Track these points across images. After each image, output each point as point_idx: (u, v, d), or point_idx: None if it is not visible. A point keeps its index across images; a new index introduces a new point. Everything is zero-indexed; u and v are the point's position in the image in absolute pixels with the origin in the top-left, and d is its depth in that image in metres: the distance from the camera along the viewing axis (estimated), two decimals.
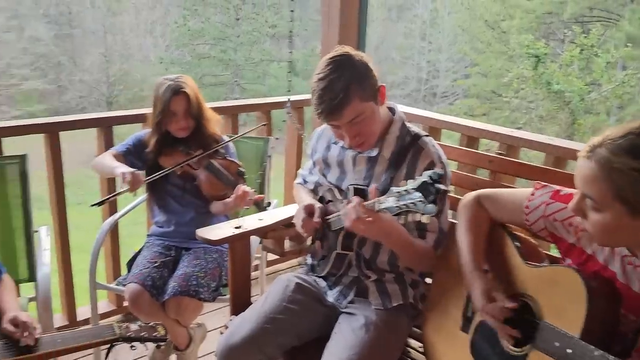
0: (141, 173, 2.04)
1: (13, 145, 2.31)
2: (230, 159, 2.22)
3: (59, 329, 2.24)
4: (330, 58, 1.47)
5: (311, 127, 3.22)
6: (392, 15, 25.19)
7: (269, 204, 2.09)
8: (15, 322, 1.51)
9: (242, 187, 2.05)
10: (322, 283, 1.73)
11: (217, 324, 2.56)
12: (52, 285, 1.95)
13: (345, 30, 3.05)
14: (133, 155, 2.19)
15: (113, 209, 2.55)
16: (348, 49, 1.50)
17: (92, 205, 1.98)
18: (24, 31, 21.09)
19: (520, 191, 1.44)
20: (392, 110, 1.63)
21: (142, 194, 2.30)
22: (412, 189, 1.21)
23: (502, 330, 1.30)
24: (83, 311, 2.61)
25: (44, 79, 21.55)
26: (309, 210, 1.62)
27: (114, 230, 2.56)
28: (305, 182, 1.87)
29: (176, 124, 2.11)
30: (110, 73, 22.58)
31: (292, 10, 2.07)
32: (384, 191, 1.32)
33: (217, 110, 2.36)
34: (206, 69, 22.43)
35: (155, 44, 24.20)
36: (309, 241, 1.74)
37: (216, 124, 2.24)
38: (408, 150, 1.57)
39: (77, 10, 23.81)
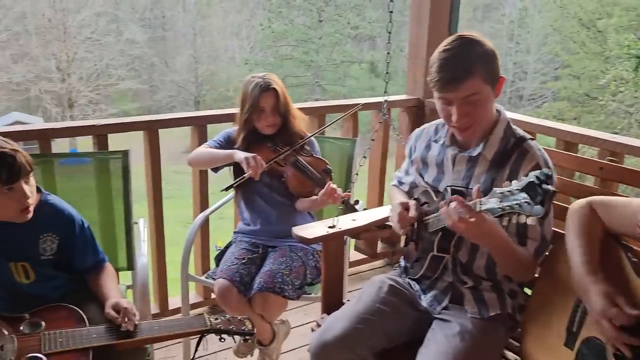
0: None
1: (111, 141, 2.43)
2: (317, 156, 2.23)
3: (152, 316, 2.34)
4: (459, 35, 1.47)
5: (399, 129, 3.19)
6: (477, 15, 24.46)
7: (357, 202, 2.07)
8: (117, 308, 1.59)
9: (331, 185, 2.05)
10: (416, 286, 1.70)
11: (300, 322, 2.58)
12: None
13: (434, 31, 2.98)
14: (224, 149, 2.24)
15: (204, 205, 2.63)
16: (476, 33, 1.48)
17: (222, 190, 2.08)
18: (122, 34, 22.51)
19: (637, 201, 1.32)
20: (498, 111, 1.57)
21: (232, 191, 2.34)
22: (517, 189, 1.16)
23: (618, 339, 1.19)
24: (173, 301, 2.72)
25: (138, 79, 22.90)
26: (405, 207, 1.60)
27: (204, 225, 2.64)
28: (400, 183, 1.85)
29: (264, 121, 2.15)
30: (198, 73, 23.59)
31: (390, 11, 2.01)
32: (484, 193, 1.28)
33: (304, 110, 2.37)
34: (288, 70, 22.86)
35: (241, 46, 24.98)
36: (402, 242, 1.70)
37: (302, 122, 2.25)
38: (512, 152, 1.51)
39: (170, 14, 25.07)
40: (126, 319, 1.56)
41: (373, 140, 2.21)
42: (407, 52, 3.31)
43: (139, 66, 23.23)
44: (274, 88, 2.12)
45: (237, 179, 2.07)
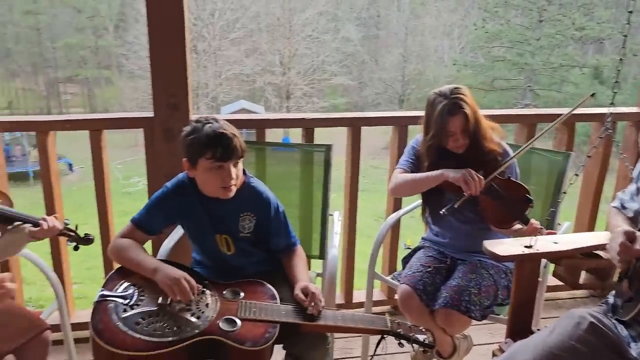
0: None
1: (317, 132, 2.58)
2: (516, 181, 1.99)
3: (337, 306, 2.43)
4: None
5: (623, 146, 2.79)
6: None
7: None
8: (305, 292, 1.69)
9: (534, 223, 1.85)
10: (624, 331, 1.46)
11: (484, 340, 2.44)
12: None
13: None
14: (416, 169, 2.11)
15: (397, 205, 2.64)
16: None
17: (443, 212, 1.93)
18: (338, 32, 23.85)
19: None
20: None
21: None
22: None
23: None
24: (358, 295, 2.80)
25: (348, 75, 24.06)
26: (630, 237, 1.39)
27: (395, 225, 2.66)
28: (623, 207, 1.62)
29: (453, 143, 1.98)
30: (405, 72, 23.85)
31: (630, 11, 1.73)
32: None
33: (513, 118, 2.21)
34: (498, 72, 21.76)
35: (451, 46, 24.53)
36: (615, 277, 1.48)
37: (492, 142, 2.01)
38: None
39: (384, 13, 25.76)
40: (312, 303, 1.64)
41: (589, 157, 1.93)
42: None
43: (350, 63, 24.37)
44: (464, 111, 1.91)
45: (458, 200, 1.92)
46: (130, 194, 14.25)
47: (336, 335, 2.26)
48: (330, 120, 2.66)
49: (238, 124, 2.74)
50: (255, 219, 1.84)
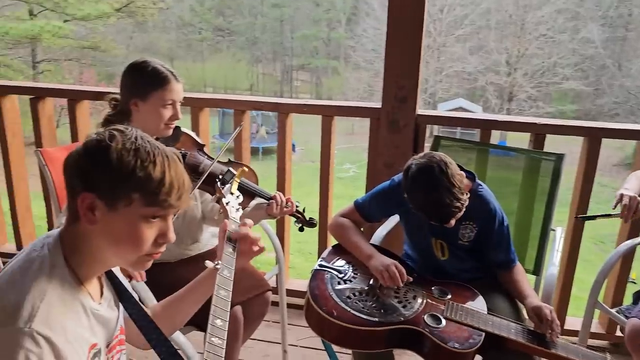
0: None
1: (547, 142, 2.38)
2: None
3: None
4: None
5: None
6: None
7: None
8: (538, 313, 1.58)
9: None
10: None
11: None
12: None
13: None
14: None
15: (634, 232, 2.31)
16: None
17: (579, 217, 1.90)
18: (578, 32, 21.67)
19: None
20: None
21: None
22: None
23: None
24: (570, 321, 2.54)
25: (584, 80, 21.78)
26: None
27: (628, 254, 2.33)
28: None
29: None
30: None
31: None
32: None
33: None
34: None
35: None
36: None
37: None
38: None
39: (637, 11, 22.61)
40: (549, 331, 1.54)
41: None
42: None
43: (587, 67, 22.00)
44: None
45: (601, 214, 1.82)
46: (342, 180, 15.08)
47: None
48: (564, 128, 2.42)
49: (462, 122, 2.71)
50: (477, 229, 1.77)
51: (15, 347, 0.85)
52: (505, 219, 1.81)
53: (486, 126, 2.46)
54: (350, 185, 14.01)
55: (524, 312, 1.59)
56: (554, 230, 2.13)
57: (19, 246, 2.95)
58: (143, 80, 1.69)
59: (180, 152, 1.68)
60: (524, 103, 21.04)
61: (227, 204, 1.32)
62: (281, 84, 30.26)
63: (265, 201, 1.84)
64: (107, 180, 0.93)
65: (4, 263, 1.22)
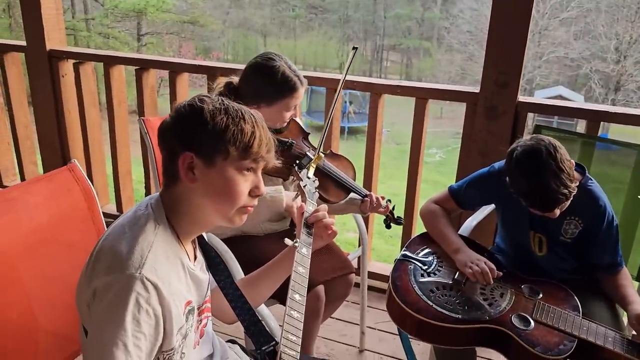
0: None
1: None
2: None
3: None
4: None
5: None
6: None
7: None
8: None
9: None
10: None
11: None
12: None
13: None
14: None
15: None
16: None
17: None
18: None
19: None
20: None
21: None
22: None
23: None
24: None
25: None
26: None
27: None
28: None
29: None
30: None
31: None
32: None
33: None
34: None
35: None
36: None
37: None
38: None
39: None
40: None
41: None
42: None
43: None
44: None
45: None
46: (427, 164, 14.72)
47: None
48: None
49: (567, 112, 2.52)
50: (583, 226, 1.65)
51: (128, 290, 0.91)
52: (615, 219, 1.67)
53: (595, 117, 2.28)
54: (434, 171, 13.66)
55: (625, 320, 1.47)
56: None
57: (119, 207, 3.15)
58: (272, 88, 1.71)
59: (287, 142, 1.73)
60: (633, 94, 19.39)
61: (304, 186, 1.35)
62: (371, 64, 29.94)
63: (360, 197, 1.85)
64: (205, 137, 1.00)
65: (107, 223, 1.31)
